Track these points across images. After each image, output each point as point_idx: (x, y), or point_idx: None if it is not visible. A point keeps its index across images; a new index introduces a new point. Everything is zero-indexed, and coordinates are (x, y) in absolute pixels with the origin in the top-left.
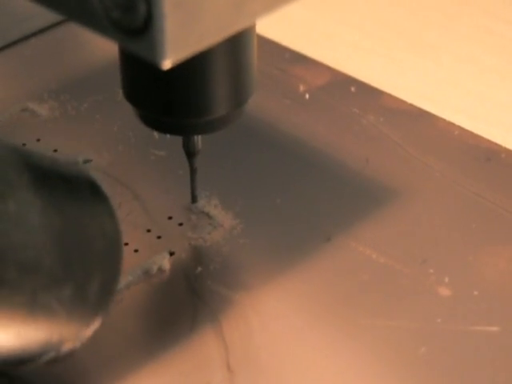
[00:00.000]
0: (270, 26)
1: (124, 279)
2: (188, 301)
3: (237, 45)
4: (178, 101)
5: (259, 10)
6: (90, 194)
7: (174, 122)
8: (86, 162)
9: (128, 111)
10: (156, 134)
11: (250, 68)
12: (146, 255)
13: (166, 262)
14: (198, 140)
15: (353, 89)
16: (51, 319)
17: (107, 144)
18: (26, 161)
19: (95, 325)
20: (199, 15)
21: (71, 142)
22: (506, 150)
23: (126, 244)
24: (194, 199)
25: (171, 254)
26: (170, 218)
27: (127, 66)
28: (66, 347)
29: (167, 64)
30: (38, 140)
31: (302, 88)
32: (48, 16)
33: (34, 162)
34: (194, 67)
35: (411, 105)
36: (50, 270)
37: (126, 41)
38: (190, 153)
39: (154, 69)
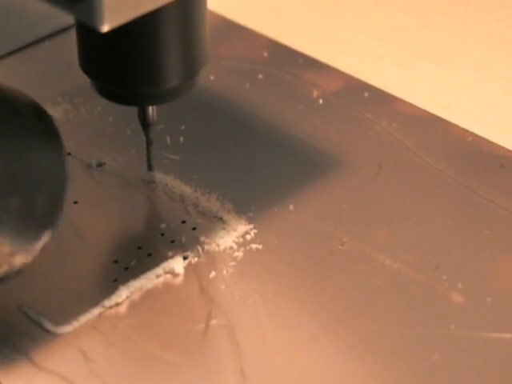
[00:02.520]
0: (283, 32)
1: (137, 283)
2: (201, 305)
3: (186, 16)
4: (131, 71)
5: None
6: (32, 116)
7: (127, 92)
8: (100, 165)
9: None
10: (168, 139)
11: (200, 39)
12: (159, 259)
13: (179, 266)
14: (153, 111)
15: (366, 94)
16: (0, 231)
17: (120, 147)
18: None
19: (45, 238)
20: None
21: (84, 144)
22: None
23: (140, 248)
24: (150, 167)
25: (184, 258)
26: (183, 222)
27: (81, 37)
28: (18, 261)
29: (105, 28)
30: None
31: (315, 93)
32: (62, 19)
33: None
34: (145, 38)
35: (425, 111)
36: None
37: (66, 6)
38: (145, 124)
39: (106, 40)
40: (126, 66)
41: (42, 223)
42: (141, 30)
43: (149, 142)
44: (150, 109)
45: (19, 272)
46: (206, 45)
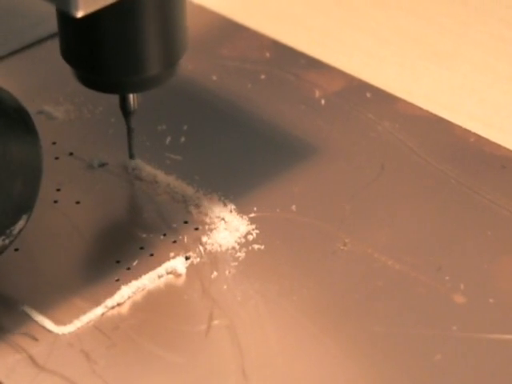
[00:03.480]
0: (285, 32)
1: (139, 283)
2: (203, 306)
3: (165, 4)
4: (111, 59)
5: None
6: (7, 109)
7: (107, 80)
8: (102, 165)
9: (143, 115)
10: (170, 139)
11: (179, 28)
12: (161, 259)
13: (181, 267)
14: (134, 99)
15: (368, 95)
16: None
17: (122, 147)
18: None
19: (22, 222)
20: None
21: (86, 145)
22: None
23: (142, 248)
24: (131, 156)
25: (187, 258)
26: (185, 222)
27: (61, 25)
28: None
29: (80, 13)
30: (54, 143)
31: (317, 93)
32: None
33: None
34: (124, 25)
35: (427, 111)
36: None
37: None
38: (126, 112)
39: (86, 28)
40: (106, 54)
41: (19, 208)
42: (120, 17)
43: (130, 130)
44: (131, 97)
45: None
46: (185, 33)
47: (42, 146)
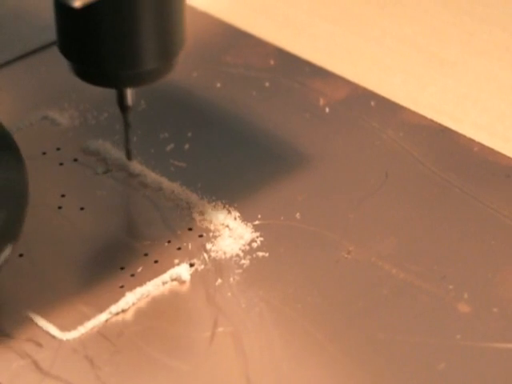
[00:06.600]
0: (290, 40)
1: (144, 290)
2: (208, 312)
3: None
4: (108, 53)
5: None
6: None
7: (104, 74)
8: (106, 171)
9: (148, 121)
10: (175, 146)
11: (177, 22)
12: (165, 266)
13: (185, 274)
14: (132, 94)
15: (373, 103)
16: None
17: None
18: None
19: (7, 251)
20: None
21: (91, 151)
22: None
23: (146, 255)
24: (128, 155)
25: (191, 265)
26: (190, 229)
27: (59, 18)
28: None
29: (77, 3)
30: (58, 149)
31: (321, 102)
32: None
33: None
34: (122, 19)
35: (431, 120)
36: None
37: None
38: (123, 107)
39: (83, 21)
40: (104, 48)
41: (4, 238)
42: (118, 10)
43: (127, 126)
44: (129, 92)
45: None
46: (183, 28)
47: (47, 152)
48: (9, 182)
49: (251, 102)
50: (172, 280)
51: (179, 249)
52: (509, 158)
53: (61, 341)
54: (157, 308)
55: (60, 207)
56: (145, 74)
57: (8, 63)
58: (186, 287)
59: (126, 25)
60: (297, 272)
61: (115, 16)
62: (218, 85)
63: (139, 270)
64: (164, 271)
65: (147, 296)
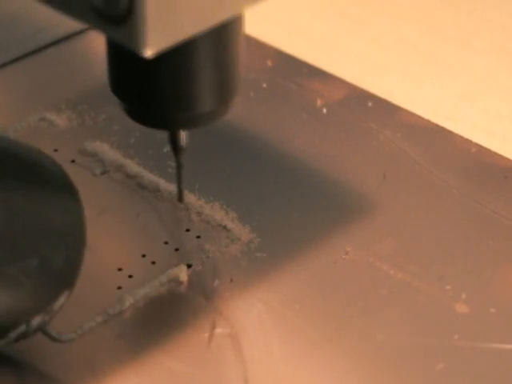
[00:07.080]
0: (287, 41)
1: (141, 291)
2: (205, 314)
3: (222, 41)
4: (163, 95)
5: (241, 2)
6: (51, 176)
7: (159, 116)
8: (104, 173)
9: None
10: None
11: (235, 65)
12: (163, 267)
13: (183, 275)
14: (185, 135)
15: (370, 104)
16: (18, 291)
17: (124, 155)
18: None
19: (63, 298)
20: (181, 4)
21: (88, 152)
22: None
23: (144, 256)
24: (180, 198)
25: (189, 266)
26: (187, 230)
27: (114, 58)
28: (36, 320)
29: (148, 52)
30: (56, 150)
31: (319, 102)
32: (66, 26)
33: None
34: (179, 61)
35: (428, 121)
36: (13, 244)
37: (108, 29)
38: (176, 148)
39: (140, 62)
40: (159, 90)
41: (60, 283)
42: (175, 53)
43: (179, 168)
44: (182, 133)
45: (36, 331)
46: (240, 70)
47: (46, 153)
48: (66, 224)
49: (249, 103)
50: (170, 281)
51: (177, 250)
52: (506, 158)
53: (58, 342)
54: (154, 309)
55: None
56: (201, 117)
57: (5, 65)
58: (183, 288)
59: (183, 68)
60: (295, 273)
61: (174, 59)
62: None
63: (137, 270)
64: (162, 272)
65: (145, 297)
